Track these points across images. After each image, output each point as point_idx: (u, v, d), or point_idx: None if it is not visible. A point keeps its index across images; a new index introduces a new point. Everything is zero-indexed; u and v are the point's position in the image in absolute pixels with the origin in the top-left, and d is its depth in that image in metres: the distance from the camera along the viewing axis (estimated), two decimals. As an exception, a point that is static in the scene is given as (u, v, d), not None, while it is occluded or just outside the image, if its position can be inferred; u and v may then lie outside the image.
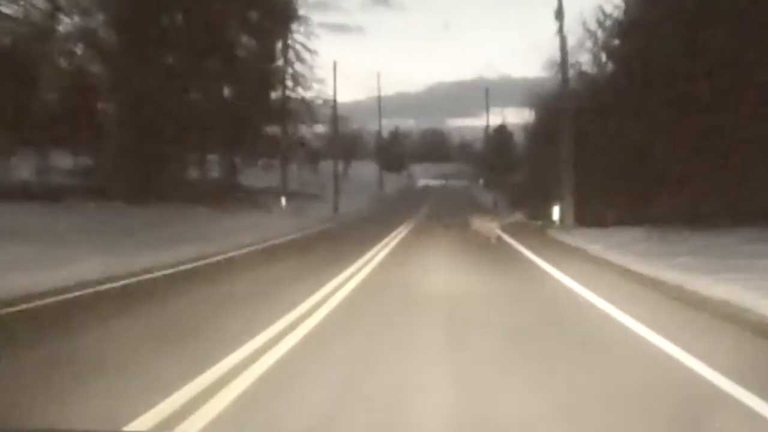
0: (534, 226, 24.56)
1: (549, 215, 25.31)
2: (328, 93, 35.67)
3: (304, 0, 38.99)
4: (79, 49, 20.13)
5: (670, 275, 9.06)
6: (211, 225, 17.26)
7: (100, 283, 8.41)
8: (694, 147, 17.08)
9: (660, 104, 18.33)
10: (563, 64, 23.56)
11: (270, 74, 29.31)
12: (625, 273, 10.15)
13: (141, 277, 9.17)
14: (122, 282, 8.68)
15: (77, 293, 7.73)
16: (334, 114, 33.95)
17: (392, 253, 13.10)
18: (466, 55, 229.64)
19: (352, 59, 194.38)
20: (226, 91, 25.10)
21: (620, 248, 13.07)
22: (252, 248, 13.87)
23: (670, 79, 17.64)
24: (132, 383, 4.12)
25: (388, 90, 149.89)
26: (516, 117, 64.27)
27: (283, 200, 25.96)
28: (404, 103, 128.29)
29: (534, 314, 6.90)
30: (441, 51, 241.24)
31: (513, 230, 21.14)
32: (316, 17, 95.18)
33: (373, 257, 12.17)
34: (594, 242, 15.01)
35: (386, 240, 15.83)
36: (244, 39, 25.57)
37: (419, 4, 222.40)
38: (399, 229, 19.62)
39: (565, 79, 23.79)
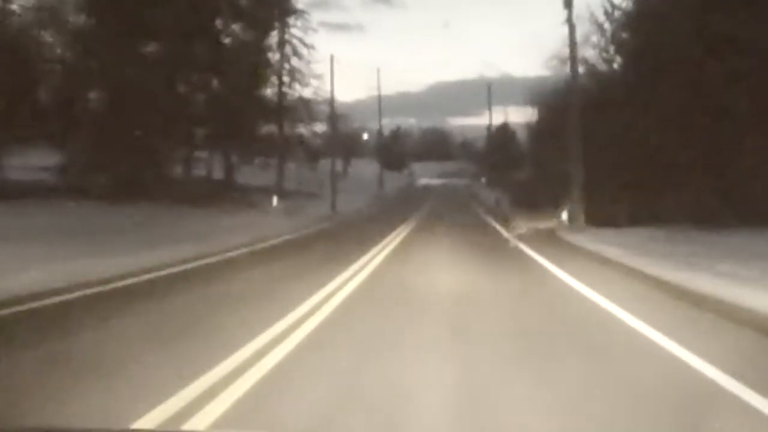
0: (539, 226, 24.50)
1: (557, 215, 25.14)
2: (327, 90, 35.73)
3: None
4: (49, 35, 19.72)
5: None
6: (198, 225, 17.04)
7: (88, 285, 8.36)
8: (707, 130, 17.03)
9: (671, 89, 18.13)
10: (572, 53, 23.47)
11: (262, 65, 28.94)
12: (661, 284, 8.87)
13: (116, 284, 8.75)
14: (99, 288, 8.40)
15: (71, 295, 7.75)
16: (332, 111, 34.02)
17: (393, 254, 13.08)
18: (467, 53, 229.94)
19: (352, 58, 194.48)
20: (216, 84, 24.50)
21: (641, 251, 12.37)
22: (240, 251, 13.43)
23: (681, 65, 17.53)
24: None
25: (389, 89, 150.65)
26: (518, 116, 64.29)
27: (275, 199, 25.73)
28: (405, 102, 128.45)
29: (550, 332, 6.16)
30: (442, 50, 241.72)
31: (516, 230, 21.18)
32: (316, 15, 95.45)
33: (372, 259, 12.09)
34: (610, 244, 14.49)
35: (386, 241, 15.78)
36: (235, 28, 25.00)
37: (420, 2, 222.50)
38: (399, 230, 19.59)
39: (573, 71, 23.74)
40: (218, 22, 24.15)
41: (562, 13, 22.53)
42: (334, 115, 34.13)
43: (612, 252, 13.04)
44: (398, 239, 16.59)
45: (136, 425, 3.44)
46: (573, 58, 23.71)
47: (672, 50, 18.26)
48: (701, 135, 17.52)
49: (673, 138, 18.64)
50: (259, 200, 26.27)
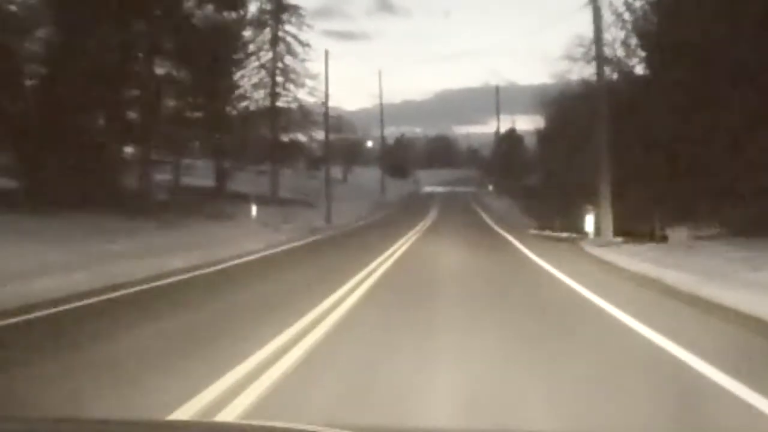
0: (560, 239, 20.34)
1: (578, 225, 21.44)
2: (323, 90, 31.55)
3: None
4: None
5: None
6: (133, 243, 12.79)
7: None
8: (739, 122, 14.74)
9: (703, 76, 15.96)
10: (597, 34, 19.36)
11: (237, 51, 24.16)
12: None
13: None
14: None
15: None
16: (326, 111, 29.75)
17: (379, 295, 8.85)
18: (471, 62, 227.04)
19: (357, 67, 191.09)
20: (184, 73, 19.66)
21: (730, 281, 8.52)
22: (157, 283, 9.20)
23: (716, 49, 15.30)
24: None
25: (395, 98, 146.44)
26: (524, 124, 61.41)
27: (254, 209, 21.26)
28: (410, 110, 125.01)
29: None
30: (447, 58, 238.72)
31: (538, 246, 16.93)
32: (320, 24, 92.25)
33: (352, 290, 8.07)
34: (667, 266, 10.57)
35: (374, 265, 11.51)
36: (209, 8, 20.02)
37: (424, 11, 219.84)
38: (394, 248, 15.20)
39: (599, 61, 19.56)
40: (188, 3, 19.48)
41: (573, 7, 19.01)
42: (328, 114, 29.78)
43: (676, 276, 9.14)
44: (394, 259, 12.38)
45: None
46: (598, 39, 19.57)
47: (704, 35, 15.62)
48: (735, 131, 15.13)
49: (704, 134, 16.11)
50: (238, 210, 21.87)
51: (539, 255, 13.66)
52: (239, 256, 12.62)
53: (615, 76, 26.51)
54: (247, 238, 16.70)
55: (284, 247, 15.39)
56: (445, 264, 11.97)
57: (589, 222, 19.13)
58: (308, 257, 13.67)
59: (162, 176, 22.60)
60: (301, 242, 17.50)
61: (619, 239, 18.52)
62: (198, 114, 19.97)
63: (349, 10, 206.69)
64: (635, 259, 12.54)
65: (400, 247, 15.54)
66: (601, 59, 19.66)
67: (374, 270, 10.55)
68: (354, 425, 3.02)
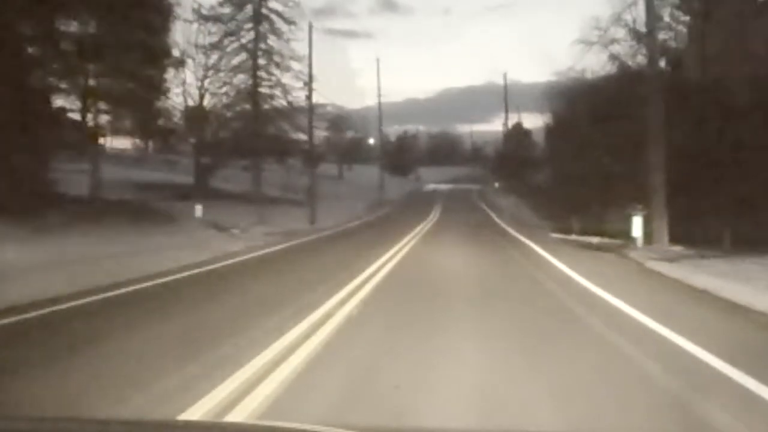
0: (597, 247, 15.46)
1: (605, 227, 16.97)
2: (318, 90, 26.62)
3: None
4: None
5: None
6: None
7: None
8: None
9: None
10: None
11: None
12: None
13: None
14: None
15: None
16: (309, 95, 24.72)
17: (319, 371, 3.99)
18: (475, 60, 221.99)
19: (361, 66, 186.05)
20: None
21: None
22: None
23: None
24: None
25: (398, 96, 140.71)
26: (530, 122, 57.38)
27: (198, 209, 16.08)
28: (414, 108, 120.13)
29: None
30: (450, 56, 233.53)
31: (577, 259, 12.00)
32: (323, 23, 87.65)
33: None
34: None
35: (355, 283, 6.70)
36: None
37: (427, 10, 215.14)
38: (379, 264, 10.30)
39: (650, 19, 14.58)
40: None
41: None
42: (312, 97, 24.79)
43: None
44: (374, 284, 7.50)
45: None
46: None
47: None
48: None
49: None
50: (193, 211, 16.82)
51: (589, 278, 8.71)
52: (124, 284, 7.68)
53: (639, 57, 22.13)
54: (184, 248, 11.85)
55: (221, 264, 10.39)
56: (452, 303, 6.99)
57: (636, 225, 14.20)
58: (234, 285, 8.52)
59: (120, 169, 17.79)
60: (258, 253, 12.57)
61: (679, 248, 13.70)
62: (128, 84, 15.04)
63: (352, 8, 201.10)
64: (753, 287, 7.61)
65: (390, 260, 10.66)
66: (652, 16, 14.68)
67: (329, 317, 5.63)
68: (354, 425, 2.88)
